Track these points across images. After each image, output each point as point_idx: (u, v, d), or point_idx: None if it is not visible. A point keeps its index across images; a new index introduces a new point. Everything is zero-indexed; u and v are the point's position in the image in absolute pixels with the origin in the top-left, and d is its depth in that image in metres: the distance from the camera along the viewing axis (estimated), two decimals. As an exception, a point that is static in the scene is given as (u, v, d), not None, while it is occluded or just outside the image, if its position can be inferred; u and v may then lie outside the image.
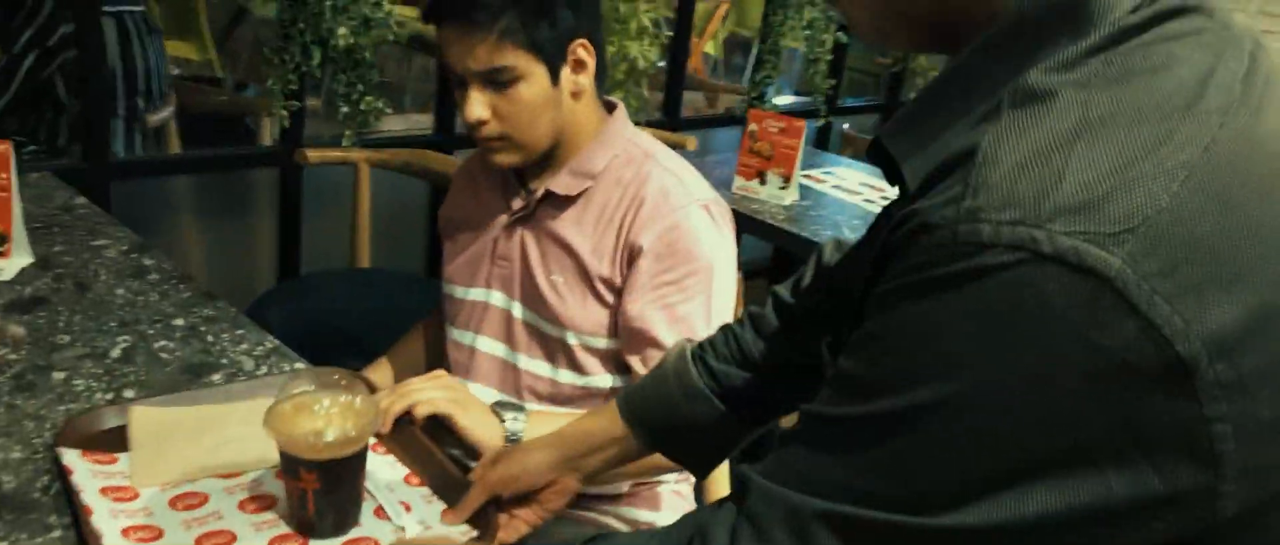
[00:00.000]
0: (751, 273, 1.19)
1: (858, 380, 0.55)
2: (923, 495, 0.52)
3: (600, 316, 1.22)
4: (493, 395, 1.29)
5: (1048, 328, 0.47)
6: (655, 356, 1.16)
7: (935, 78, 0.58)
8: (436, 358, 1.44)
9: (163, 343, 1.18)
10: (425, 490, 0.96)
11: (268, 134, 3.12)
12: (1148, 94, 0.50)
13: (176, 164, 2.58)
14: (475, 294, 1.32)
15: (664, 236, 1.18)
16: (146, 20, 2.57)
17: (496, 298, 1.30)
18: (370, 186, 2.32)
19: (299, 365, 1.17)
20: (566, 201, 1.23)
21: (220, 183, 2.53)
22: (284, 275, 2.60)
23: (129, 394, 1.06)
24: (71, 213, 1.58)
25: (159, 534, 0.83)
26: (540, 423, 1.11)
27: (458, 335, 1.34)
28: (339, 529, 0.87)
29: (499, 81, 1.15)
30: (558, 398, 1.26)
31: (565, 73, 1.18)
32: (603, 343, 1.24)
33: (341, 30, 2.20)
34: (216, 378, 1.12)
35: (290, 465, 0.84)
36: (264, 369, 1.15)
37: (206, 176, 2.51)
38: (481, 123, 1.17)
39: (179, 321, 1.24)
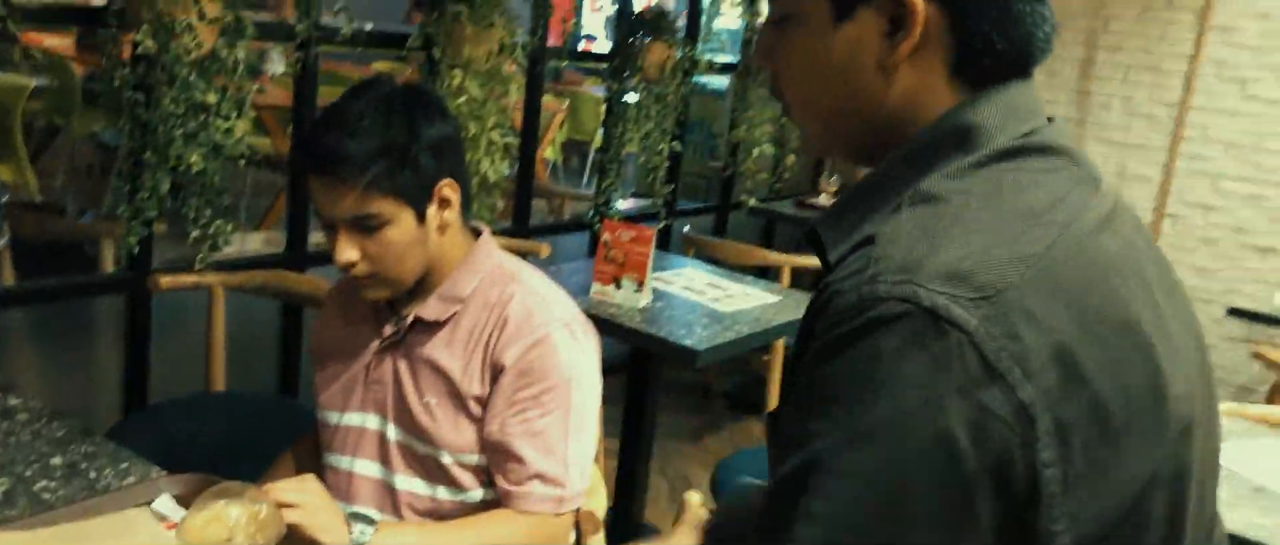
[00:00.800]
0: (607, 371, 1.29)
1: (791, 432, 0.65)
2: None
3: (472, 435, 1.29)
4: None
5: (924, 367, 0.60)
6: (516, 470, 1.25)
7: (859, 181, 0.75)
8: None
9: (43, 482, 1.18)
10: None
11: (108, 260, 3.04)
12: (1012, 202, 0.67)
13: (14, 297, 2.48)
14: (350, 419, 1.36)
15: (525, 356, 1.26)
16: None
17: (372, 421, 1.35)
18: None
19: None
20: (436, 326, 1.30)
21: (60, 312, 2.45)
22: (131, 404, 2.52)
23: (17, 537, 1.06)
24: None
25: None
26: (388, 535, 1.18)
27: (334, 460, 1.38)
28: None
29: (367, 226, 1.21)
30: (437, 513, 1.32)
31: (431, 210, 1.25)
32: (476, 459, 1.30)
33: (194, 156, 2.21)
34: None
35: None
36: (147, 497, 1.16)
37: (46, 307, 2.43)
38: (351, 265, 1.23)
39: (57, 460, 1.23)
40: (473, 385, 1.28)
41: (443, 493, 1.31)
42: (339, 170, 1.18)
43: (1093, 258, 0.67)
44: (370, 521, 1.17)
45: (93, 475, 1.21)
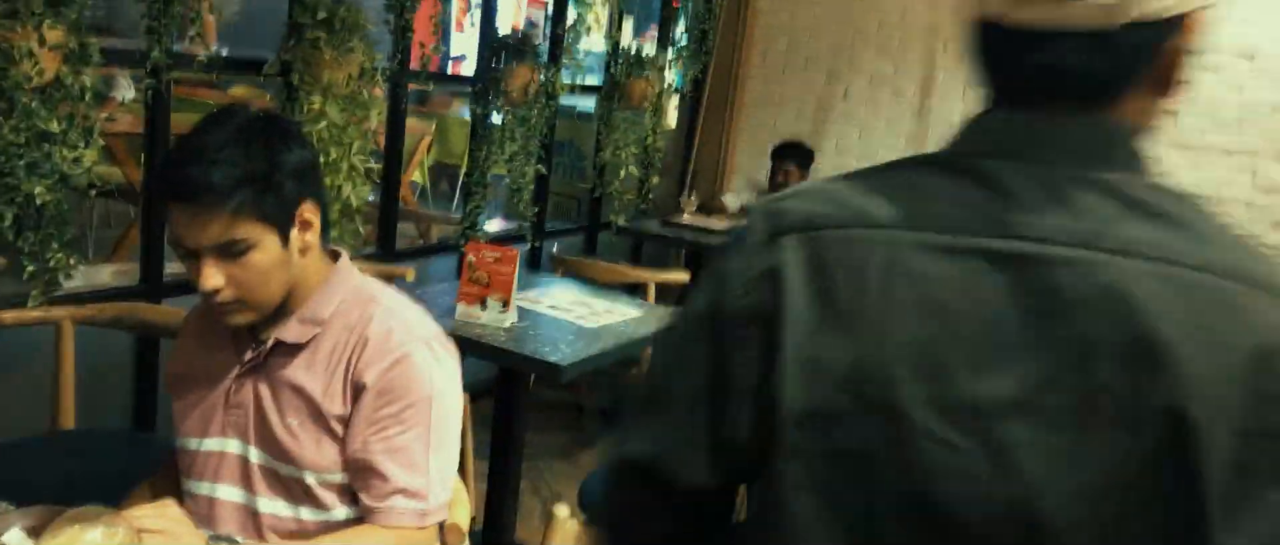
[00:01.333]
0: (478, 393, 1.31)
1: None
2: None
3: (335, 454, 1.31)
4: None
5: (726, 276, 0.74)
6: (378, 486, 1.28)
7: None
8: None
9: (-123, 526, 1.14)
10: None
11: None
12: (858, 185, 0.75)
13: None
14: (210, 444, 1.36)
15: (385, 374, 1.29)
16: None
17: (233, 445, 1.35)
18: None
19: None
20: (297, 348, 1.32)
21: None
22: (-29, 446, 2.39)
23: None
24: None
25: None
26: None
27: (194, 486, 1.37)
28: None
29: (233, 251, 1.22)
30: (301, 534, 1.33)
31: (294, 233, 1.28)
32: (339, 478, 1.32)
33: (39, 188, 2.13)
34: (-53, 554, 1.10)
35: None
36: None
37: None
38: (217, 291, 1.23)
39: (-109, 503, 1.19)
40: (334, 405, 1.30)
41: (306, 513, 1.32)
42: (203, 198, 1.18)
43: (877, 262, 0.70)
44: (233, 541, 1.18)
45: (-68, 516, 1.17)
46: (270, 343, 1.32)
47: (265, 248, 1.24)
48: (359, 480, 1.30)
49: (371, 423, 1.28)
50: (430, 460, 1.30)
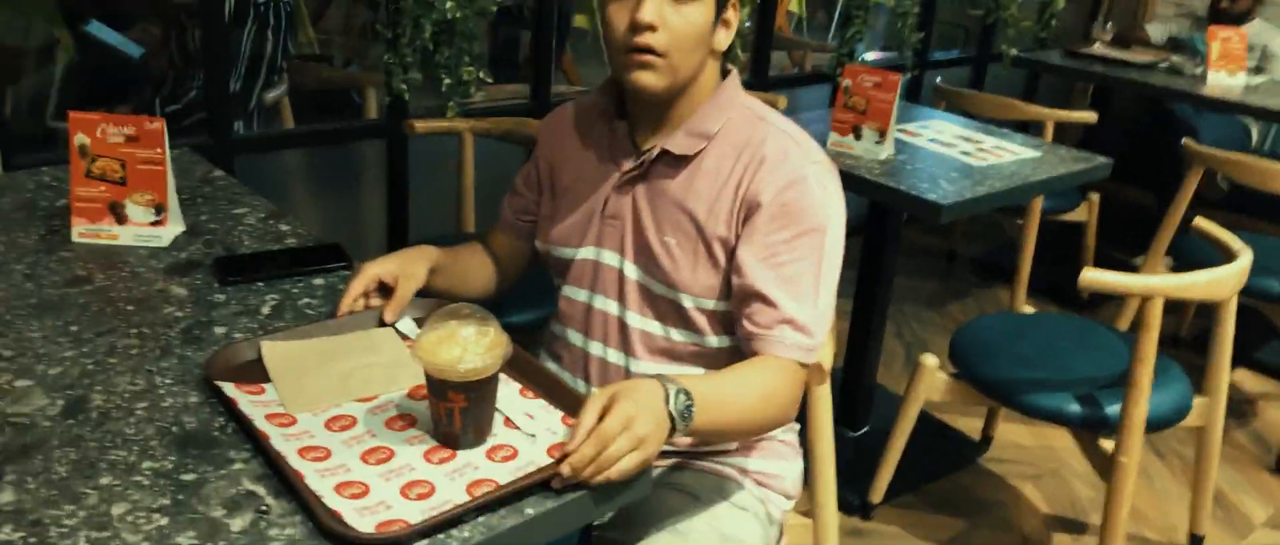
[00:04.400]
0: (849, 232, 1.21)
1: None
2: None
3: (712, 280, 1.25)
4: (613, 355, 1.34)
5: None
6: (766, 313, 1.20)
7: None
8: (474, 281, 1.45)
9: (306, 300, 1.28)
10: (541, 402, 1.05)
11: (372, 108, 3.25)
12: None
13: (294, 138, 2.72)
14: (586, 253, 1.35)
15: (781, 195, 1.21)
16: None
17: (608, 257, 1.33)
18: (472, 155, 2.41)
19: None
20: (681, 162, 1.26)
21: (331, 155, 2.66)
22: (393, 243, 2.72)
23: (284, 346, 1.16)
24: (211, 184, 1.70)
25: (328, 453, 0.93)
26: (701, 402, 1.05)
27: (571, 292, 1.38)
28: (479, 439, 0.97)
29: None
30: (671, 354, 1.32)
31: (723, 16, 1.22)
32: (714, 305, 1.27)
33: (449, 3, 2.28)
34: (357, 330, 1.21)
35: (438, 388, 0.94)
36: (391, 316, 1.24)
37: (319, 149, 2.64)
38: (651, 28, 1.16)
39: (319, 282, 1.34)
40: (718, 226, 1.24)
41: (677, 335, 1.30)
42: None
43: None
44: (683, 396, 1.03)
45: (349, 296, 1.30)
46: (654, 153, 1.27)
47: (704, 8, 1.18)
48: (744, 307, 1.23)
49: (763, 247, 1.21)
50: (820, 294, 1.22)
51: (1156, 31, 3.93)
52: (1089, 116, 3.13)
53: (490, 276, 1.47)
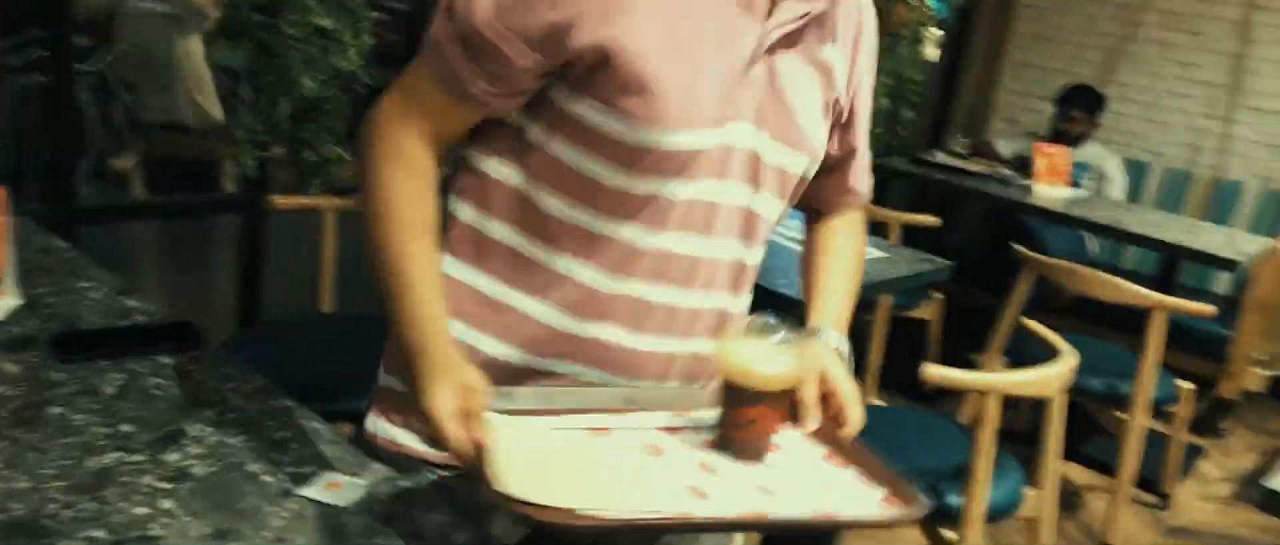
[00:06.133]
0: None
1: None
2: None
3: (825, 137, 1.17)
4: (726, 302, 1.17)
5: None
6: (857, 167, 1.26)
7: None
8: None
9: (155, 380, 1.22)
10: None
11: (229, 180, 3.16)
12: None
13: (145, 209, 2.61)
14: (717, 136, 1.05)
15: (875, 42, 1.21)
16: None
17: (744, 134, 1.07)
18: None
19: (285, 402, 1.21)
20: (822, 18, 1.10)
21: (184, 228, 2.56)
22: (245, 321, 2.62)
23: (125, 428, 1.10)
24: (52, 255, 1.61)
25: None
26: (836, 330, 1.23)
27: (675, 189, 1.05)
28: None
29: None
30: (759, 240, 1.17)
31: None
32: (814, 170, 1.17)
33: (307, 81, 2.26)
34: (209, 413, 1.16)
35: (751, 398, 1.01)
36: (255, 405, 1.19)
37: (172, 222, 2.54)
38: None
39: (166, 360, 1.28)
40: (841, 84, 1.16)
41: (777, 210, 1.15)
42: None
43: None
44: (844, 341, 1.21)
45: (200, 378, 1.24)
46: (800, 9, 1.06)
47: None
48: (842, 165, 1.25)
49: (861, 102, 1.22)
50: None
51: (1005, 147, 4.25)
52: (932, 220, 3.34)
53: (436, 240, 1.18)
